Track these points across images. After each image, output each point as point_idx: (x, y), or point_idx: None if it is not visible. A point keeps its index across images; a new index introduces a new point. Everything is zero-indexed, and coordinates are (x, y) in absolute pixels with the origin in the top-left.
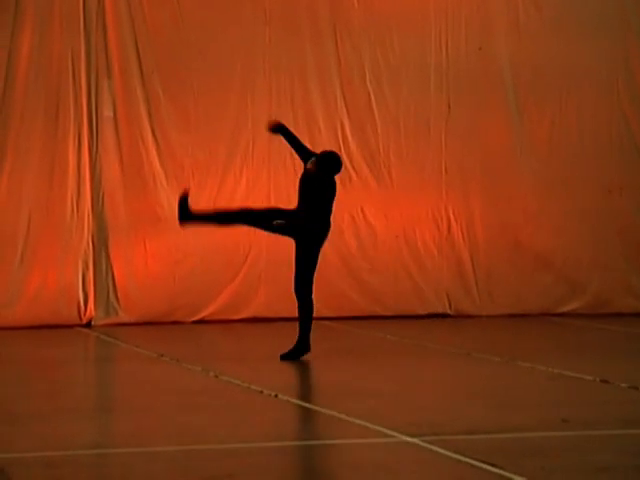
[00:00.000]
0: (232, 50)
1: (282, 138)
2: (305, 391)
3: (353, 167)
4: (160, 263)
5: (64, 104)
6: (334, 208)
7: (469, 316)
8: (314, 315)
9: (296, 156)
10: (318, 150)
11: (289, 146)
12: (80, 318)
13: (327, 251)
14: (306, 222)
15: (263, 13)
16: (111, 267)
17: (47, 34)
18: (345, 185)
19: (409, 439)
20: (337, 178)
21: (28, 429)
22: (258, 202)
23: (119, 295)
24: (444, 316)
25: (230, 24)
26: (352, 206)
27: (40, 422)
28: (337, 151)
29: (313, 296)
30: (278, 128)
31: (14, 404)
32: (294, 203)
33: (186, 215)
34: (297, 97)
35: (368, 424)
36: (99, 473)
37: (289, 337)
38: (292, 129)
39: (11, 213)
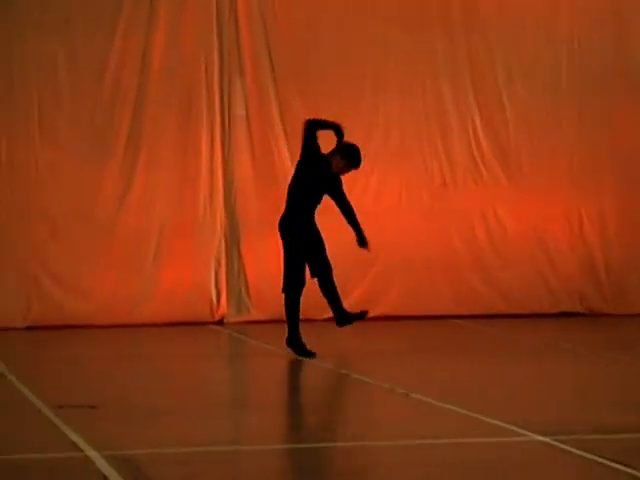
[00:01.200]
0: (364, 48)
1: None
2: (435, 389)
3: (484, 165)
4: None
5: (197, 103)
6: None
7: (600, 315)
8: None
9: (426, 153)
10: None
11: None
12: (212, 315)
13: (458, 248)
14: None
15: (395, 11)
16: (243, 265)
17: (180, 33)
18: (477, 182)
19: (541, 438)
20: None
21: (162, 425)
22: (389, 200)
23: (251, 293)
24: (575, 315)
25: (362, 22)
26: (483, 203)
27: (173, 418)
28: (469, 149)
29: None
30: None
31: (148, 400)
32: (425, 203)
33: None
34: (428, 95)
35: (500, 422)
36: (233, 470)
37: (420, 335)
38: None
39: (145, 211)
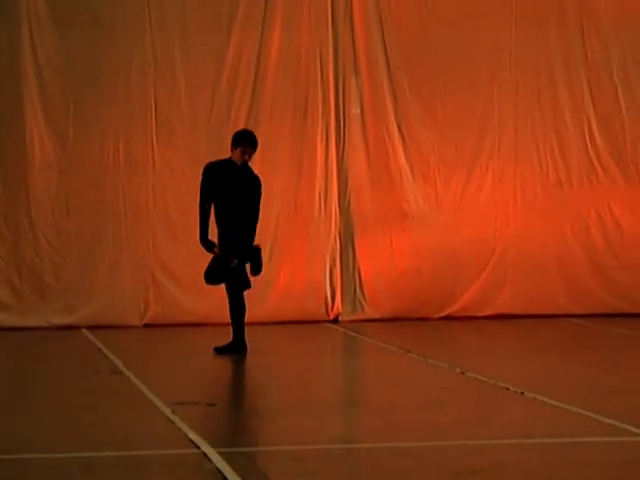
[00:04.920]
0: (478, 45)
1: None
2: (551, 388)
3: (600, 163)
4: (406, 259)
5: (312, 101)
6: None
7: None
8: None
9: (541, 151)
10: None
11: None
12: (327, 314)
13: (573, 248)
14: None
15: (510, 8)
16: (357, 263)
17: (296, 31)
18: (592, 181)
19: None
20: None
21: (278, 423)
22: (504, 198)
23: (365, 291)
24: None
25: (476, 19)
26: (599, 203)
27: (289, 416)
28: (585, 148)
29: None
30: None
31: (264, 398)
32: (540, 202)
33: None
34: (543, 92)
35: (615, 422)
36: (347, 467)
37: (535, 333)
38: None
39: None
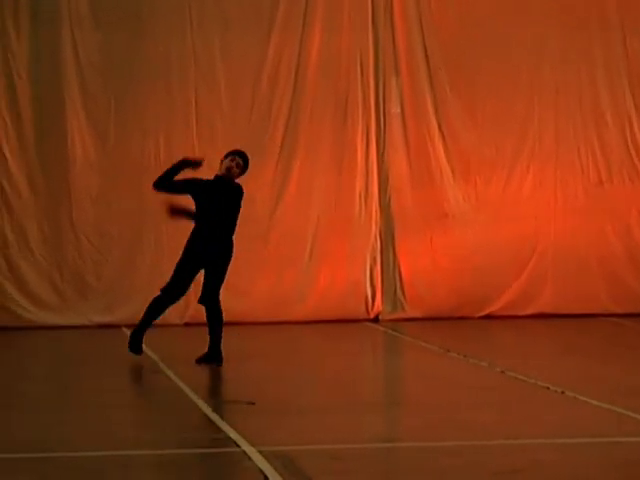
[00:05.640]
0: (518, 45)
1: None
2: (592, 388)
3: None
4: (447, 258)
5: (352, 101)
6: None
7: None
8: None
9: (582, 151)
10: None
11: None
12: (368, 313)
13: (614, 247)
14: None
15: (550, 8)
16: (398, 262)
17: (336, 32)
18: (633, 180)
19: None
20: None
21: (317, 421)
22: (545, 198)
23: (406, 290)
24: None
25: (516, 19)
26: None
27: (328, 415)
28: (625, 147)
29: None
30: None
31: (304, 397)
32: (581, 201)
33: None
34: (584, 93)
35: None
36: (386, 467)
37: (576, 333)
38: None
39: (301, 209)
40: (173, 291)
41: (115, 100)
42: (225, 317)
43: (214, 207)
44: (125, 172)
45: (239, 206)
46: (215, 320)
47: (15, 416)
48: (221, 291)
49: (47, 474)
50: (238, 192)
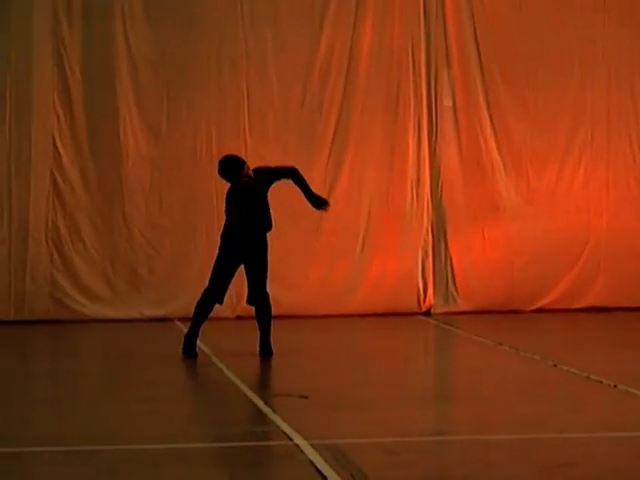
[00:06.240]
0: (570, 38)
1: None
2: None
3: None
4: (499, 251)
5: (404, 94)
6: None
7: None
8: None
9: (634, 143)
10: None
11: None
12: (419, 306)
13: None
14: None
15: (602, 1)
16: (450, 255)
17: (388, 25)
18: None
19: None
20: None
21: (369, 415)
22: (597, 190)
23: (457, 283)
24: None
25: (568, 12)
26: None
27: (380, 408)
28: None
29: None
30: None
31: (356, 390)
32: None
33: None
34: (637, 86)
35: None
36: (438, 460)
37: (629, 326)
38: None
39: (353, 202)
40: (214, 291)
41: (167, 94)
42: (276, 310)
43: (242, 207)
44: (177, 165)
45: (264, 196)
46: (263, 315)
47: (67, 409)
48: (271, 284)
49: (100, 467)
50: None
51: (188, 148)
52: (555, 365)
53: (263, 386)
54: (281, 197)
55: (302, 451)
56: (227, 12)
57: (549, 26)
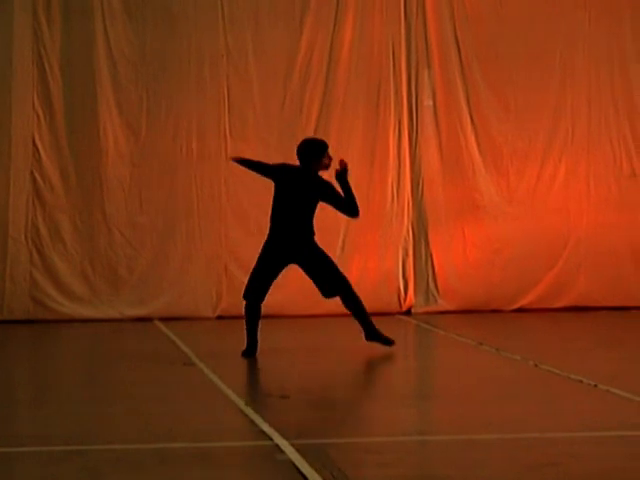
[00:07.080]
0: (551, 37)
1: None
2: (624, 381)
3: None
4: (479, 251)
5: (384, 94)
6: None
7: None
8: None
9: (614, 143)
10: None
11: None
12: (400, 305)
13: None
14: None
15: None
16: (430, 255)
17: (368, 24)
18: None
19: None
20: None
21: (351, 415)
22: (577, 192)
23: (438, 283)
24: None
25: (549, 11)
26: None
27: (362, 408)
28: None
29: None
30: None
31: (337, 390)
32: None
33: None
34: (617, 84)
35: None
36: (419, 460)
37: (610, 326)
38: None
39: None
40: (256, 290)
41: (147, 93)
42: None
43: (291, 196)
44: (157, 165)
45: (317, 200)
46: (352, 302)
47: (48, 410)
48: None
49: (84, 466)
50: (319, 186)
51: (168, 147)
52: (536, 365)
53: (244, 386)
54: (261, 193)
55: (282, 451)
56: (207, 12)
57: (529, 25)
